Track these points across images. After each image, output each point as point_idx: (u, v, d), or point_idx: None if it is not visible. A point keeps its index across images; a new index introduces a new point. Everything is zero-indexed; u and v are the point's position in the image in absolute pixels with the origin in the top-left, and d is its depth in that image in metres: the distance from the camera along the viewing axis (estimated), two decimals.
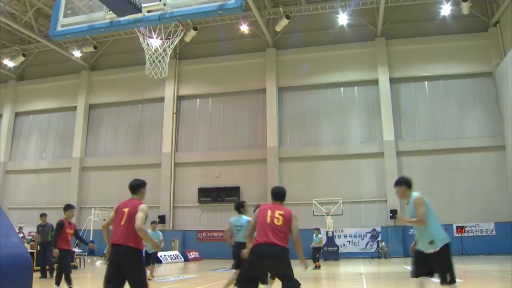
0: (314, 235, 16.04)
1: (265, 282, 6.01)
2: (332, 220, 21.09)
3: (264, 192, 22.85)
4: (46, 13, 24.69)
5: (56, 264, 7.98)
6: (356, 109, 24.01)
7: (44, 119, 28.96)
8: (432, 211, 4.75)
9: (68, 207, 7.94)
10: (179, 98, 26.40)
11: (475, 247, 20.09)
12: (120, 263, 4.43)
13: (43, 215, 12.08)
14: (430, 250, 4.61)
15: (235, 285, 4.75)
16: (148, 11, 3.91)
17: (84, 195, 26.30)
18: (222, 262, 17.53)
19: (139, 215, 4.47)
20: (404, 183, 4.98)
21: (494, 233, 20.68)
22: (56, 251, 7.61)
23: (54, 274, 8.13)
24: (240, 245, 6.60)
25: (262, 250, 4.50)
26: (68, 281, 7.49)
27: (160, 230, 12.52)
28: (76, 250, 17.77)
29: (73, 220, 8.12)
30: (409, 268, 5.23)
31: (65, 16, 4.24)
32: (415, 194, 4.84)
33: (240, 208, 7.07)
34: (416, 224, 4.71)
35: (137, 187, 4.84)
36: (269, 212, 4.69)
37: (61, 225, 7.74)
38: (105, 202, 24.36)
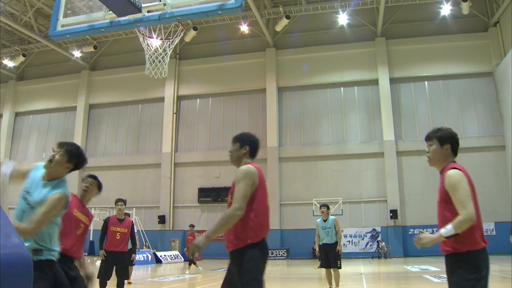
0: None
1: None
2: None
3: None
4: (46, 13, 24.69)
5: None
6: (356, 109, 24.00)
7: (44, 119, 28.94)
8: None
9: (116, 201, 6.84)
10: (179, 98, 26.39)
11: None
12: None
13: None
14: None
15: None
16: (148, 11, 3.90)
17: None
18: (222, 262, 17.51)
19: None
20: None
21: (494, 233, 20.63)
22: (101, 253, 6.55)
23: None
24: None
25: None
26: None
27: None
28: None
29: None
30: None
31: (65, 16, 4.23)
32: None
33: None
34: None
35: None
36: None
37: (104, 222, 6.72)
38: (105, 202, 24.20)
